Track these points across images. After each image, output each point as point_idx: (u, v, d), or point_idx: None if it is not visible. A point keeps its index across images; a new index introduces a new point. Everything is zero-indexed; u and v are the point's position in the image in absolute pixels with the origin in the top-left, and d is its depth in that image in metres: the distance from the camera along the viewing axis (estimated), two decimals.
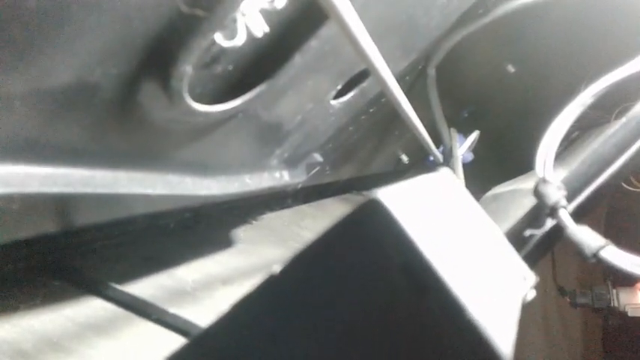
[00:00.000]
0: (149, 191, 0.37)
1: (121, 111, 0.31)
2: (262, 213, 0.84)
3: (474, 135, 0.82)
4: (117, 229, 0.55)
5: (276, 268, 0.22)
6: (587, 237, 0.33)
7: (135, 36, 0.27)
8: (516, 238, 0.36)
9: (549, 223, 0.35)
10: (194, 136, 0.38)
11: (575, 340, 1.40)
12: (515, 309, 0.25)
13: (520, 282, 0.29)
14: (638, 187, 0.96)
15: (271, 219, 0.84)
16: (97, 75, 0.28)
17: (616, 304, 1.20)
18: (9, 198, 0.27)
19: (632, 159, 0.35)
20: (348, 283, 0.20)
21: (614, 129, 0.35)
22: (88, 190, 0.32)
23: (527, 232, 0.35)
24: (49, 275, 0.48)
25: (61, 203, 0.32)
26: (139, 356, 0.42)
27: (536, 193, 0.35)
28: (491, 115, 1.19)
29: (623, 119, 0.35)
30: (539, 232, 0.35)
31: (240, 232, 0.74)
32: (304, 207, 0.95)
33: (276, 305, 0.22)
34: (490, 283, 0.24)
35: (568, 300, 1.20)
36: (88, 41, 0.25)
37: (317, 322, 0.20)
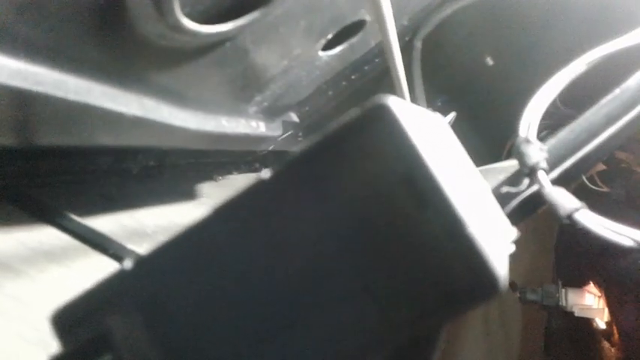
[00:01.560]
0: (122, 109, 0.34)
1: (104, 14, 0.29)
2: (229, 172, 0.82)
3: (451, 115, 0.82)
4: (79, 164, 0.53)
5: (266, 173, 0.21)
6: (563, 199, 0.33)
7: None
8: (497, 197, 0.36)
9: (526, 183, 0.35)
10: (177, 60, 0.36)
11: (515, 337, 1.43)
12: (504, 250, 0.25)
13: (502, 234, 0.29)
14: (602, 187, 0.98)
15: (237, 180, 0.83)
16: None
17: (564, 304, 1.23)
18: None
19: (621, 131, 0.34)
20: (345, 190, 0.19)
21: (607, 99, 0.35)
22: (59, 93, 0.30)
23: (504, 189, 0.35)
24: (4, 199, 0.45)
25: (28, 105, 0.29)
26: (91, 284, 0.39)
27: (517, 152, 0.35)
28: (467, 106, 1.20)
29: (617, 90, 0.35)
30: (514, 190, 0.34)
31: (205, 188, 0.72)
32: None
33: (262, 212, 0.20)
34: (481, 217, 0.23)
35: (518, 295, 1.23)
36: None
37: (311, 230, 0.19)
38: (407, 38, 0.70)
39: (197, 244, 0.21)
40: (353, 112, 0.19)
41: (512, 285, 1.35)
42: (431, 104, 1.11)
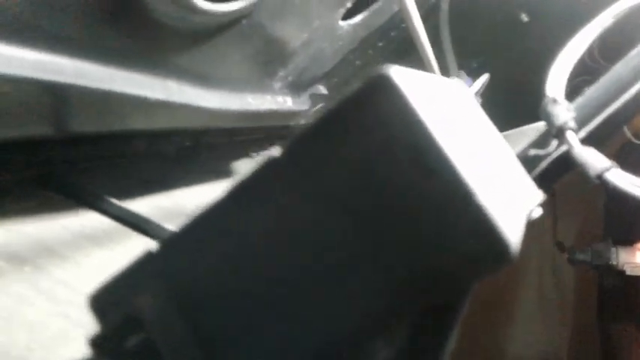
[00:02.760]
0: (146, 93, 0.35)
1: (119, 0, 0.30)
2: (264, 148, 0.83)
3: (484, 77, 0.80)
4: (116, 149, 0.54)
5: (276, 151, 0.21)
6: (593, 158, 0.32)
7: None
8: (524, 160, 0.35)
9: (555, 144, 0.34)
10: (196, 41, 0.37)
11: (569, 297, 1.41)
12: (522, 217, 0.24)
13: (527, 197, 0.28)
14: None
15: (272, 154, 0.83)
16: None
17: (615, 263, 1.20)
18: (1, 79, 0.26)
19: None
20: (353, 162, 0.19)
21: (635, 52, 0.34)
22: (81, 82, 0.31)
23: (532, 152, 0.34)
24: (46, 186, 0.47)
25: (54, 94, 0.31)
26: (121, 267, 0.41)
27: (544, 113, 0.34)
28: (502, 66, 1.16)
29: None
30: (542, 152, 0.34)
31: (241, 165, 0.74)
32: None
33: (276, 190, 0.21)
34: (497, 185, 0.23)
35: (566, 256, 1.21)
36: None
37: (321, 203, 0.20)
38: (432, 1, 0.69)
39: (215, 224, 0.22)
40: (356, 84, 0.19)
41: (561, 246, 1.32)
42: (465, 66, 1.08)
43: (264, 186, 0.21)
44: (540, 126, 0.38)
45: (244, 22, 0.37)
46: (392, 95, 0.18)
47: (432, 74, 0.24)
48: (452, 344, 0.23)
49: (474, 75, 0.97)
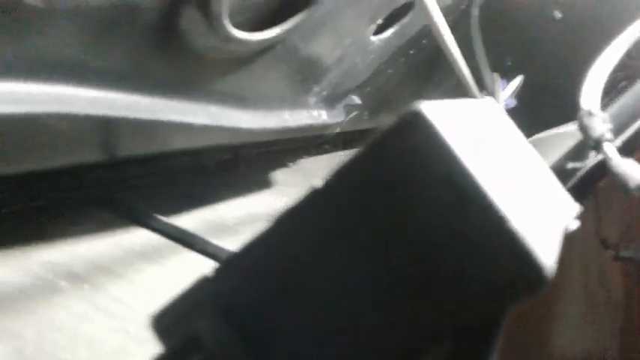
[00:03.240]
0: (191, 120, 0.37)
1: (162, 36, 0.32)
2: (300, 157, 0.85)
3: (518, 79, 0.80)
4: (160, 166, 0.57)
5: (317, 182, 0.22)
6: (632, 170, 0.32)
7: None
8: (560, 172, 0.36)
9: (593, 156, 0.34)
10: (233, 67, 0.39)
11: (616, 294, 1.38)
12: (557, 235, 0.25)
13: (563, 211, 0.29)
14: None
15: (308, 163, 0.85)
16: None
17: None
18: (57, 117, 0.28)
19: None
20: (389, 195, 0.20)
21: None
22: (131, 114, 0.33)
23: (570, 165, 0.35)
24: (98, 206, 0.50)
25: (106, 127, 0.33)
26: (183, 282, 0.43)
27: (581, 125, 0.34)
28: (536, 63, 1.15)
29: None
30: (581, 165, 0.34)
31: (279, 175, 0.75)
32: (342, 153, 0.96)
33: (317, 219, 0.22)
34: (531, 205, 0.24)
35: (612, 253, 1.19)
36: None
37: (358, 234, 0.21)
38: (463, 7, 0.69)
39: (264, 253, 0.23)
40: (389, 122, 0.20)
41: (605, 243, 1.30)
42: (498, 66, 1.07)
43: (307, 216, 0.22)
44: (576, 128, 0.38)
45: (279, 46, 0.39)
46: (424, 130, 0.20)
47: (462, 101, 0.25)
48: None
49: (508, 74, 0.97)
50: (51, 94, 0.28)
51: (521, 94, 0.96)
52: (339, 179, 0.21)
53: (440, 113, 0.20)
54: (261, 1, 0.35)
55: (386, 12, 0.47)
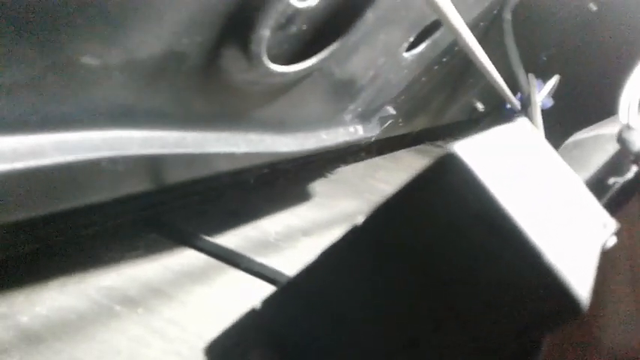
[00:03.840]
0: (233, 149, 0.39)
1: (205, 76, 0.33)
2: (337, 167, 0.86)
3: (554, 79, 0.79)
4: (203, 186, 0.59)
5: (360, 219, 0.23)
6: None
7: (216, 5, 0.29)
8: (598, 185, 0.36)
9: (633, 170, 0.35)
10: (272, 96, 0.40)
11: None
12: (594, 255, 0.26)
13: (600, 229, 0.29)
14: None
15: (346, 172, 0.86)
16: (184, 44, 0.30)
17: None
18: (114, 160, 0.30)
19: None
20: (426, 231, 0.21)
21: None
22: (180, 150, 0.35)
23: (611, 180, 0.35)
24: (146, 229, 0.52)
25: (157, 163, 0.35)
26: (231, 301, 0.45)
27: (620, 140, 0.34)
28: (572, 58, 1.14)
29: None
30: (622, 180, 0.34)
31: (317, 186, 0.77)
32: (378, 159, 0.97)
33: (359, 253, 0.23)
34: (567, 230, 0.25)
35: None
36: (175, 12, 0.27)
37: (398, 268, 0.22)
38: (495, 11, 0.69)
39: (309, 285, 0.24)
40: (428, 164, 0.21)
41: None
42: (535, 61, 1.06)
43: (349, 250, 0.24)
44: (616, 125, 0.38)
45: (315, 73, 0.40)
46: (460, 171, 0.21)
47: (496, 130, 0.26)
48: None
49: (544, 69, 0.95)
50: (106, 140, 0.30)
51: (558, 92, 0.95)
52: (378, 216, 0.23)
53: (474, 152, 0.21)
54: (297, 32, 0.36)
55: (417, 30, 0.47)
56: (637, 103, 0.35)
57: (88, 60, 0.26)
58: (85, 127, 0.29)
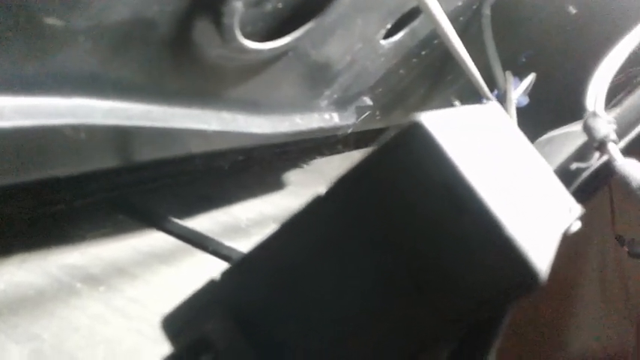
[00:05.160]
0: (204, 127, 0.38)
1: (175, 48, 0.33)
2: (313, 158, 0.86)
3: (530, 77, 0.80)
4: (174, 168, 0.58)
5: (322, 190, 0.23)
6: (636, 170, 0.33)
7: None
8: (566, 173, 0.36)
9: (597, 157, 0.35)
10: (245, 75, 0.40)
11: (633, 290, 1.37)
12: (556, 236, 0.26)
13: (565, 213, 0.30)
14: None
15: (322, 164, 0.86)
16: (153, 11, 0.29)
17: None
18: (76, 128, 0.30)
19: None
20: (390, 202, 0.21)
21: None
22: (147, 123, 0.34)
23: (574, 166, 0.35)
24: (114, 210, 0.51)
25: (122, 135, 0.34)
26: (196, 282, 0.44)
27: (585, 127, 0.35)
28: (551, 59, 1.15)
29: None
30: (584, 165, 0.35)
31: (292, 176, 0.76)
32: (355, 152, 0.96)
33: (320, 225, 0.23)
34: (531, 209, 0.25)
35: (626, 249, 1.18)
36: None
37: (360, 240, 0.22)
38: (474, 6, 0.69)
39: (270, 256, 0.24)
40: (391, 131, 0.21)
41: (620, 239, 1.29)
42: (513, 62, 1.07)
43: (311, 221, 0.23)
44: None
45: (290, 53, 0.40)
46: (423, 140, 0.20)
47: (465, 108, 0.26)
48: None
49: (522, 71, 0.96)
50: (69, 107, 0.29)
51: (533, 92, 0.96)
52: (341, 187, 0.22)
53: (440, 123, 0.21)
54: (271, 10, 0.35)
55: (395, 17, 0.47)
56: (604, 91, 0.35)
57: (51, 21, 0.25)
58: (47, 92, 0.28)
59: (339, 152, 0.93)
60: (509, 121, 0.31)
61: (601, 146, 0.35)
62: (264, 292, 0.24)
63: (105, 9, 0.27)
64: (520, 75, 0.93)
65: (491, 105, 0.31)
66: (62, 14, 0.26)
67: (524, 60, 1.15)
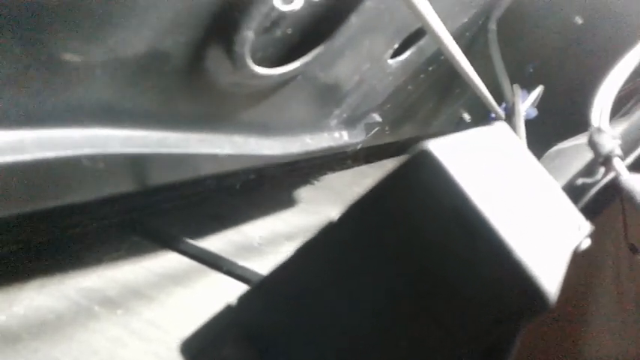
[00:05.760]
0: (217, 151, 0.39)
1: (189, 77, 0.34)
2: (323, 174, 0.86)
3: (538, 90, 0.80)
4: (187, 189, 0.59)
5: (335, 216, 0.24)
6: None
7: (200, 6, 0.29)
8: (574, 189, 0.37)
9: (602, 172, 0.35)
10: (257, 99, 0.40)
11: None
12: (565, 255, 0.26)
13: (574, 231, 0.30)
14: None
15: (332, 179, 0.87)
16: (168, 44, 0.30)
17: None
18: (94, 158, 0.31)
19: None
20: (400, 227, 0.22)
21: None
22: (163, 150, 0.35)
23: (580, 181, 0.35)
24: (129, 232, 0.52)
25: (139, 163, 0.35)
26: (212, 303, 0.45)
27: (591, 142, 0.35)
28: (558, 70, 1.15)
29: None
30: (590, 181, 0.35)
31: (303, 192, 0.77)
32: (365, 167, 0.97)
33: (334, 251, 0.24)
34: (540, 229, 0.25)
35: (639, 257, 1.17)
36: (159, 12, 0.28)
37: (373, 265, 0.22)
38: (480, 22, 0.70)
39: (284, 281, 0.25)
40: (401, 160, 0.22)
41: (633, 248, 1.28)
42: (520, 73, 1.07)
43: (324, 246, 0.24)
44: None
45: (299, 77, 0.40)
46: (433, 168, 0.21)
47: (473, 131, 0.27)
48: None
49: (529, 81, 0.97)
50: (87, 137, 0.30)
51: (543, 104, 0.96)
52: (352, 213, 0.23)
53: (448, 150, 0.22)
54: (281, 36, 0.36)
55: (402, 36, 0.48)
56: (609, 106, 0.36)
57: (70, 57, 0.26)
58: (65, 124, 0.29)
59: (349, 167, 0.94)
60: (517, 141, 0.32)
61: (606, 161, 0.35)
62: (280, 316, 0.25)
63: (121, 43, 0.28)
64: (528, 87, 0.94)
65: (499, 125, 0.31)
66: (80, 50, 0.27)
67: (531, 70, 1.16)
